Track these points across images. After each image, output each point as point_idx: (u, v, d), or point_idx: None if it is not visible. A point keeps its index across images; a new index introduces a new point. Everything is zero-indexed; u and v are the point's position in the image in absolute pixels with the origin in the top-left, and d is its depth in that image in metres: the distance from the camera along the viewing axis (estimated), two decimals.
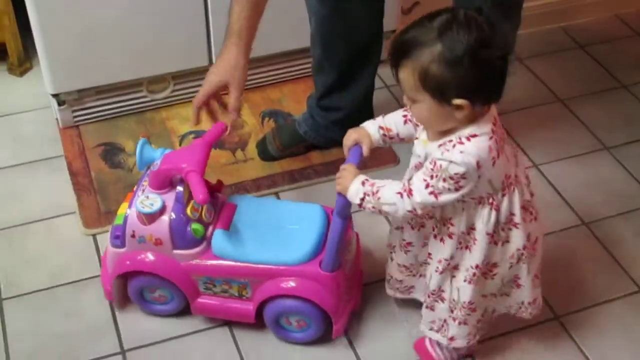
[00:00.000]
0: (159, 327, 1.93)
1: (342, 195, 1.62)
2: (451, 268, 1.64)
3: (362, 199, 1.57)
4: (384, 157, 2.38)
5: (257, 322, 1.89)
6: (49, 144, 2.43)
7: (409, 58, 1.41)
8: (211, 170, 2.30)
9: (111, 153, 2.39)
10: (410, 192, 1.51)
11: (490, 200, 1.53)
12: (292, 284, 1.79)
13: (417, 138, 1.61)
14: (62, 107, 2.41)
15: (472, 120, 1.46)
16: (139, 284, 1.89)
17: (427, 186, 1.48)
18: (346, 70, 2.21)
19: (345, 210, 1.67)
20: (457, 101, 1.41)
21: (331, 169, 2.34)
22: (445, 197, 1.48)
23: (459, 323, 1.71)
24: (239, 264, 1.80)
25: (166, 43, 2.39)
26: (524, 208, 1.58)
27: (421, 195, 1.50)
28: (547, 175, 2.35)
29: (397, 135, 1.68)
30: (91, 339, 1.91)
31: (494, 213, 1.54)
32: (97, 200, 2.25)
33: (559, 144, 2.46)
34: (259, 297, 1.83)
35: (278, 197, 2.28)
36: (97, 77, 2.39)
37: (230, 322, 1.94)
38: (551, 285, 2.02)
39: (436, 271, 1.66)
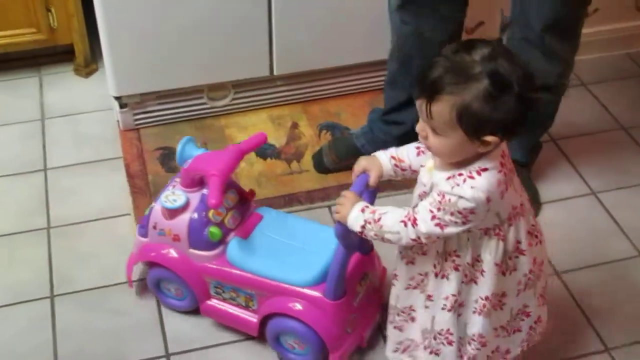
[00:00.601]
0: (204, 333, 1.95)
1: (340, 223, 1.58)
2: (457, 305, 1.59)
3: (363, 227, 1.54)
4: None
5: (261, 337, 1.89)
6: (109, 145, 2.47)
7: (448, 93, 1.35)
8: (266, 180, 2.33)
9: (168, 157, 2.42)
10: (414, 222, 1.48)
11: (497, 231, 1.50)
12: (294, 304, 1.78)
13: (422, 166, 1.56)
14: (123, 109, 2.45)
15: (486, 153, 1.42)
16: (157, 274, 1.94)
17: (433, 217, 1.45)
18: None
19: (345, 238, 1.63)
20: (489, 138, 1.37)
21: (385, 184, 2.32)
22: (451, 229, 1.45)
23: (468, 358, 1.66)
24: (246, 274, 1.81)
25: (229, 51, 2.41)
26: (529, 233, 1.55)
27: (426, 225, 1.46)
28: (605, 203, 2.30)
29: (410, 167, 1.64)
30: (137, 340, 1.93)
31: (501, 244, 1.51)
32: (152, 203, 2.27)
33: (619, 172, 2.41)
34: (264, 311, 1.83)
35: (330, 211, 2.28)
36: (159, 82, 2.43)
37: None
38: (604, 317, 1.99)
39: (443, 309, 1.60)
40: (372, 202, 1.66)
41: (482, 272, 1.54)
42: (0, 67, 2.74)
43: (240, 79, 2.50)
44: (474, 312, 1.58)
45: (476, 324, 1.59)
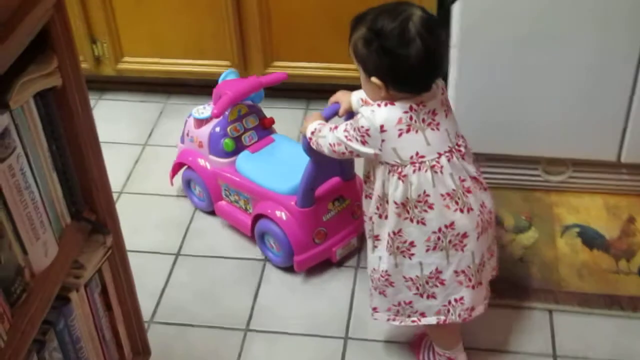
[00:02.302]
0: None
1: (304, 136, 1.90)
2: (373, 236, 1.78)
3: (313, 133, 1.86)
4: None
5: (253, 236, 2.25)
6: None
7: (353, 32, 1.67)
8: (588, 273, 2.20)
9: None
10: (335, 129, 1.77)
11: (399, 170, 1.66)
12: (273, 208, 2.13)
13: None
14: None
15: (397, 99, 1.65)
16: (187, 175, 2.41)
17: (345, 130, 1.73)
18: None
19: (309, 150, 1.92)
20: (373, 79, 1.64)
21: None
22: (354, 145, 1.71)
23: (379, 292, 1.81)
24: (245, 180, 2.20)
25: (577, 128, 2.27)
26: (449, 196, 1.66)
27: (339, 132, 1.75)
28: None
29: None
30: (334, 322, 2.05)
31: (401, 183, 1.67)
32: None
33: None
34: (254, 212, 2.21)
35: None
36: (494, 145, 2.34)
37: None
38: None
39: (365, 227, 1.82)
40: None
41: (387, 207, 1.71)
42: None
43: (583, 158, 2.33)
44: (385, 248, 1.75)
45: (384, 261, 1.76)
